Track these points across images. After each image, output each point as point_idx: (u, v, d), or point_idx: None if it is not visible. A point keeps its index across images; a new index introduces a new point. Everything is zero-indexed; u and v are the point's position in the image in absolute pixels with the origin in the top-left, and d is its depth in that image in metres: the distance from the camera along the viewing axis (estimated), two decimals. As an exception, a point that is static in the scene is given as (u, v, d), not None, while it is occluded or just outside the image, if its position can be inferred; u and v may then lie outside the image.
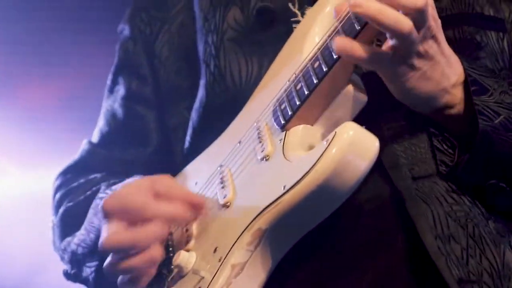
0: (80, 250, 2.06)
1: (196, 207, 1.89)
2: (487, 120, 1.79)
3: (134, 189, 1.90)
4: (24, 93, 5.48)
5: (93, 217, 2.02)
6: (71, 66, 5.25)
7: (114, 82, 2.31)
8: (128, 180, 2.03)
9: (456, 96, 1.80)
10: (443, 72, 1.76)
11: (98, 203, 2.03)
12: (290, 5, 2.08)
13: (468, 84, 1.79)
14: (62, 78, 5.38)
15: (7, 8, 5.25)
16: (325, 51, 1.79)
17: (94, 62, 4.57)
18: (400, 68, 1.71)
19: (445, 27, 1.78)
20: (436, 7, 1.79)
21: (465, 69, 1.81)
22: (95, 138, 2.31)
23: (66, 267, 2.14)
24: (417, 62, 1.72)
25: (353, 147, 1.72)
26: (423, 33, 1.68)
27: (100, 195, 2.06)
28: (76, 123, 4.96)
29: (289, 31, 2.00)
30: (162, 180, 1.91)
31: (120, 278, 1.90)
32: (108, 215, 1.86)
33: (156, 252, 1.84)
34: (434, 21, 1.70)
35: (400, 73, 1.72)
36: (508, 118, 1.81)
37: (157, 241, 1.84)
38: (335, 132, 1.72)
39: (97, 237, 1.95)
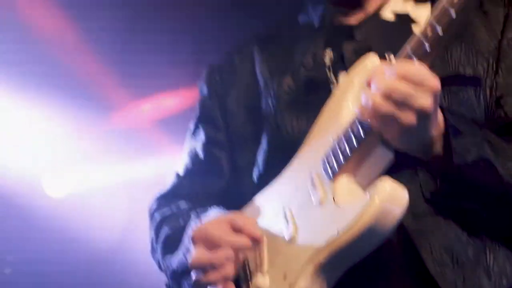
0: (179, 270, 2.29)
1: (257, 241, 2.12)
2: (461, 157, 1.99)
3: (215, 224, 2.18)
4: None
5: (188, 244, 2.26)
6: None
7: (196, 129, 2.53)
8: (211, 215, 2.27)
9: (436, 140, 2.00)
10: (429, 131, 1.97)
11: (190, 232, 2.26)
12: (327, 70, 2.27)
13: (448, 131, 1.99)
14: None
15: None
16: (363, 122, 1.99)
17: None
18: (401, 136, 1.96)
19: None
20: None
21: (445, 118, 2.01)
22: (181, 171, 2.54)
23: (168, 281, 2.40)
24: (413, 131, 1.94)
25: (390, 198, 1.92)
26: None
27: (191, 223, 2.30)
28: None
29: (329, 94, 2.20)
30: (237, 217, 2.17)
31: None
32: (194, 242, 2.16)
33: (229, 270, 2.11)
34: (431, 108, 1.91)
35: (401, 138, 1.97)
36: (477, 154, 2.00)
37: (228, 261, 2.10)
38: (376, 187, 1.92)
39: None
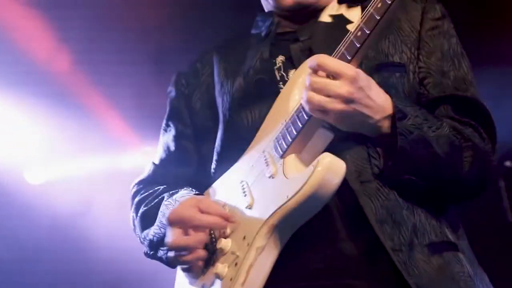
0: (155, 240, 2.40)
1: (227, 218, 2.24)
2: (404, 138, 2.09)
3: (186, 206, 2.28)
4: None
5: (162, 218, 2.36)
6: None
7: (167, 125, 2.65)
8: (181, 195, 2.37)
9: (383, 124, 2.11)
10: (368, 115, 2.07)
11: (163, 208, 2.37)
12: (276, 70, 2.38)
13: (394, 115, 2.10)
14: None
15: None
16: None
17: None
18: (339, 120, 2.08)
19: (373, 74, 2.13)
20: (367, 64, 2.17)
21: (394, 103, 2.12)
22: (156, 161, 2.66)
23: (146, 249, 2.48)
24: (348, 115, 2.05)
25: (330, 170, 2.04)
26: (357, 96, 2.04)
27: (164, 202, 2.40)
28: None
29: (278, 91, 2.32)
30: (204, 200, 2.29)
31: (181, 266, 2.30)
32: (171, 223, 2.28)
33: (201, 253, 2.23)
34: (363, 90, 2.04)
35: (341, 122, 2.08)
36: (418, 135, 2.11)
37: (201, 244, 2.22)
38: (318, 160, 2.05)
39: (165, 232, 2.33)
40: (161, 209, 2.38)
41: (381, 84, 2.20)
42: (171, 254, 2.27)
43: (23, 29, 5.27)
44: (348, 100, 2.03)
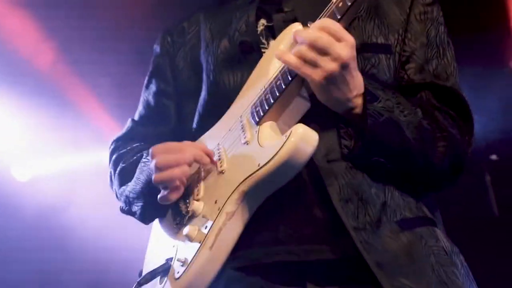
0: (131, 195, 2.40)
1: (210, 155, 2.24)
2: (374, 119, 2.08)
3: (173, 142, 2.30)
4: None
5: (139, 174, 2.37)
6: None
7: (149, 82, 2.62)
8: None
9: (357, 103, 2.10)
10: (349, 87, 2.06)
11: (141, 165, 2.37)
12: (259, 36, 2.35)
13: (365, 95, 2.10)
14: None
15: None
16: (284, 73, 2.12)
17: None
18: (324, 82, 2.04)
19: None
20: None
21: (365, 85, 2.10)
22: (136, 117, 2.65)
23: (122, 205, 2.48)
24: (334, 79, 2.03)
25: (303, 140, 2.03)
26: (338, 65, 2.01)
27: (143, 159, 2.39)
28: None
29: (260, 55, 2.31)
30: (185, 142, 2.30)
31: (160, 194, 2.24)
32: (154, 155, 2.25)
33: (186, 169, 2.21)
34: (354, 61, 2.03)
35: (324, 85, 2.05)
36: (388, 118, 2.10)
37: (187, 164, 2.21)
38: (291, 130, 2.04)
39: (142, 188, 2.34)
40: (139, 166, 2.38)
41: (363, 65, 2.19)
42: (156, 175, 2.21)
43: (4, 23, 5.23)
44: (343, 65, 2.01)
